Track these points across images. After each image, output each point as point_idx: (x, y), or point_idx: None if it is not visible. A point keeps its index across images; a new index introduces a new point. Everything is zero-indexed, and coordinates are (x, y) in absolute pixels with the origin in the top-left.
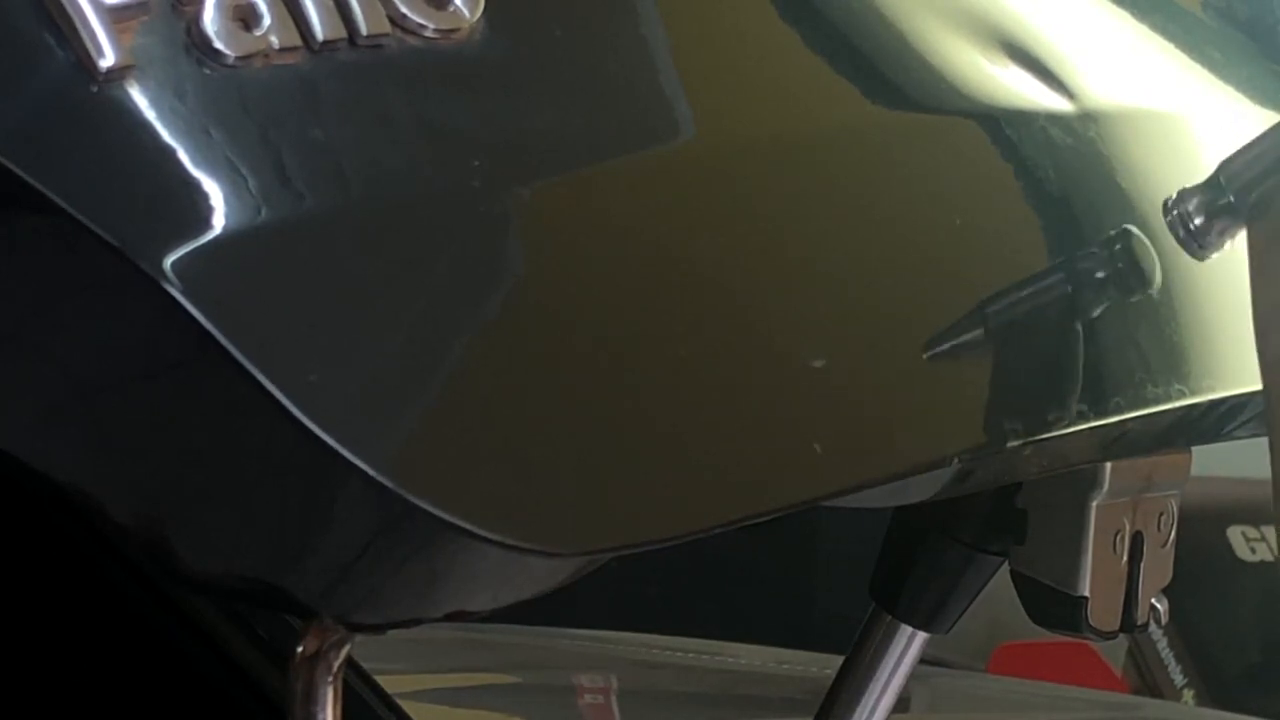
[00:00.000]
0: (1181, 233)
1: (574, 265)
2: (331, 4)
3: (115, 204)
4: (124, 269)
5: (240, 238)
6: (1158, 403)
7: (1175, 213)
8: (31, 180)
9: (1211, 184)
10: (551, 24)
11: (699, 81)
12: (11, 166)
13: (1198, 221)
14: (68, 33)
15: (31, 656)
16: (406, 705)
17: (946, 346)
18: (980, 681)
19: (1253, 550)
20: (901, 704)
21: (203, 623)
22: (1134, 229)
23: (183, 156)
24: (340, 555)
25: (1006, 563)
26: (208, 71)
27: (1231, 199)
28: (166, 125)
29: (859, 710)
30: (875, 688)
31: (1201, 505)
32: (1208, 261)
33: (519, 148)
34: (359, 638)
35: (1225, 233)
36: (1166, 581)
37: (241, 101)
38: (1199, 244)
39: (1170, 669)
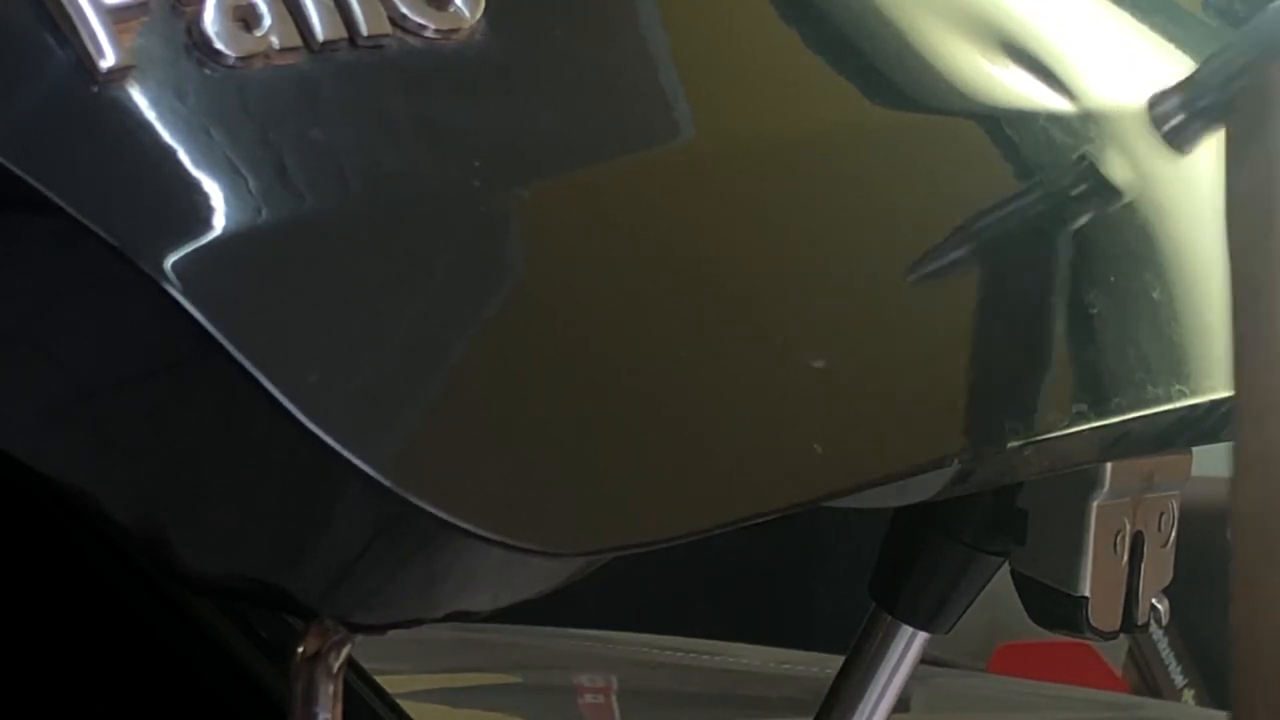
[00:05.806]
0: (1161, 132)
1: (574, 265)
2: (332, 4)
3: (115, 204)
4: (124, 269)
5: (240, 238)
6: (1158, 403)
7: (1154, 113)
8: (32, 180)
9: (1190, 84)
10: (552, 24)
11: (699, 81)
12: (11, 167)
13: (1177, 120)
14: (68, 33)
15: (32, 656)
16: (406, 705)
17: (947, 346)
18: (980, 681)
19: None
20: (901, 704)
21: (203, 623)
22: (1134, 227)
23: (183, 157)
24: (340, 556)
25: (1006, 563)
26: (208, 72)
27: (1210, 98)
28: (167, 125)
29: (859, 710)
30: (875, 688)
31: (1201, 505)
32: (1209, 261)
33: (519, 148)
34: (359, 638)
35: (1203, 131)
36: (1166, 581)
37: (242, 102)
38: (1177, 143)
39: (1170, 669)
